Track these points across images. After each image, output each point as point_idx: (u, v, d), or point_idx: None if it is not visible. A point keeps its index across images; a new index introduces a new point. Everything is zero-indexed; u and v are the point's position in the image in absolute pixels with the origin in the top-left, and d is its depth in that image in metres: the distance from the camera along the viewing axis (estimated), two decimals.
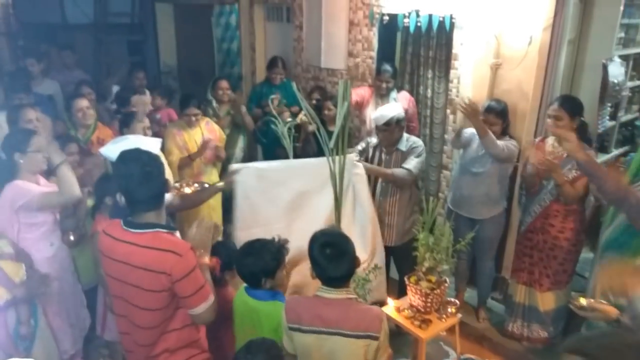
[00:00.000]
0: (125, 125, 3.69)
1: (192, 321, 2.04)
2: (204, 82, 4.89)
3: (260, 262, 2.23)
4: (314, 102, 4.47)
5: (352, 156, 3.22)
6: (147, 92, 5.17)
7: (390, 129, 3.38)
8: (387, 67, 4.09)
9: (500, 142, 3.33)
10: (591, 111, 3.99)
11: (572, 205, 3.14)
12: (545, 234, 3.23)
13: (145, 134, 3.61)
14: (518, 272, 3.44)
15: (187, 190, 3.17)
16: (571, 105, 3.10)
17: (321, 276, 2.03)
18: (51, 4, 7.12)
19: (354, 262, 2.02)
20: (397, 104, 3.69)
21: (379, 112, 3.43)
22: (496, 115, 3.39)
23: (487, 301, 3.89)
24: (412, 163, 3.39)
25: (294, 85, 3.13)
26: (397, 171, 3.41)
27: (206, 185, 3.31)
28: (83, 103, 3.74)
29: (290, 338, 2.06)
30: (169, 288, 1.91)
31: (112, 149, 2.74)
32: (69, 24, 7.24)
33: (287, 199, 3.10)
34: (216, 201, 4.15)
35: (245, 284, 2.32)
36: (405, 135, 3.51)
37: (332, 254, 1.98)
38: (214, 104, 4.68)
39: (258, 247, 2.30)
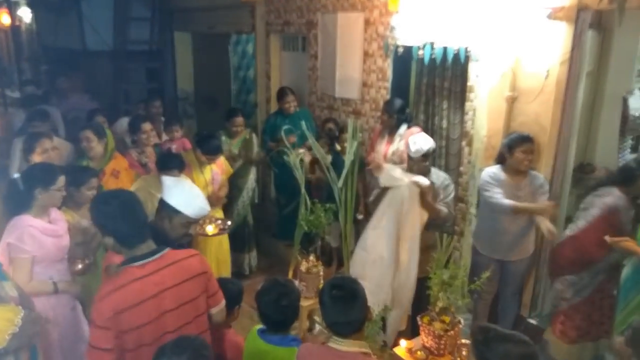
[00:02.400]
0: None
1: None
2: (219, 108, 4.93)
3: (294, 308, 2.25)
4: (326, 130, 4.49)
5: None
6: (163, 120, 5.26)
7: (422, 164, 3.35)
8: (391, 101, 4.08)
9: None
10: (611, 144, 3.91)
11: None
12: None
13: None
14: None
15: (210, 229, 3.12)
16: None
17: (327, 321, 1.96)
18: (72, 31, 7.33)
19: (364, 309, 1.94)
20: (424, 135, 3.59)
21: (416, 145, 3.33)
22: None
23: None
24: (450, 202, 3.38)
25: (303, 125, 3.13)
26: (443, 210, 3.37)
27: (229, 224, 3.26)
28: (88, 134, 3.71)
29: None
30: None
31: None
32: (89, 50, 7.43)
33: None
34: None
35: (258, 327, 2.27)
36: (432, 168, 3.50)
37: (339, 296, 1.91)
38: (224, 137, 4.68)
39: (291, 292, 2.28)
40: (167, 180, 2.34)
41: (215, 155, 3.95)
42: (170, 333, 1.95)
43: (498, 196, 3.28)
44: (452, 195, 3.41)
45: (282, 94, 4.98)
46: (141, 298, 1.91)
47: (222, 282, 2.40)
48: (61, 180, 2.76)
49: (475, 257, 3.57)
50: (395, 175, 3.27)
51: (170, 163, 3.50)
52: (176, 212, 2.21)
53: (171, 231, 2.26)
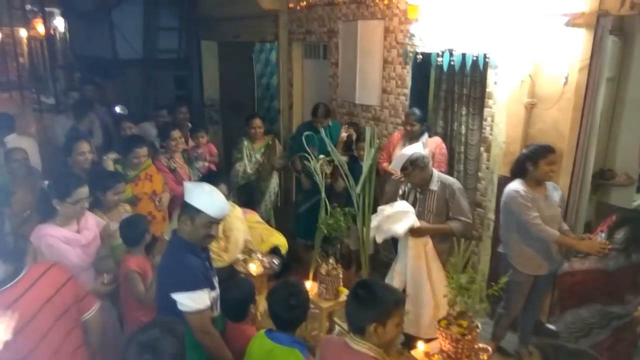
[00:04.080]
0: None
1: None
2: (244, 114, 5.08)
3: (303, 308, 2.30)
4: (345, 135, 4.58)
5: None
6: (190, 126, 5.43)
7: (408, 173, 3.41)
8: (414, 110, 4.14)
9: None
10: (632, 149, 3.88)
11: None
12: None
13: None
14: None
15: (254, 268, 3.05)
16: None
17: (346, 317, 2.08)
18: (103, 40, 7.61)
19: (381, 313, 1.97)
20: (415, 145, 3.64)
21: (396, 158, 3.47)
22: None
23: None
24: (462, 212, 3.37)
25: (326, 139, 3.22)
26: (455, 225, 3.37)
27: (276, 262, 3.24)
28: (142, 152, 3.85)
29: None
30: (76, 293, 2.19)
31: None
32: (119, 59, 7.70)
33: None
34: None
35: (268, 328, 2.33)
36: (436, 173, 3.51)
37: (359, 294, 2.00)
38: (245, 142, 4.81)
39: (300, 293, 2.34)
40: (188, 183, 2.42)
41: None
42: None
43: (539, 221, 3.19)
44: (463, 201, 3.39)
45: (315, 110, 4.90)
46: (26, 319, 1.92)
47: (235, 282, 2.52)
48: (80, 192, 2.71)
49: (511, 274, 3.44)
50: (389, 228, 3.41)
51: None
52: (197, 212, 2.26)
53: (194, 233, 2.31)
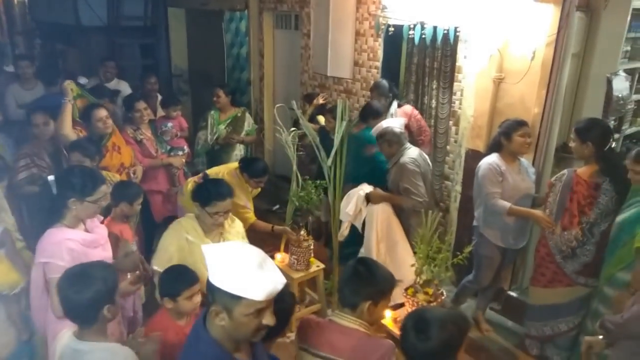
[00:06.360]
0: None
1: None
2: (214, 85, 4.99)
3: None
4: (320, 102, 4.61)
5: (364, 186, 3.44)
6: (159, 96, 5.32)
7: (378, 144, 3.50)
8: (378, 83, 4.16)
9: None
10: None
11: None
12: None
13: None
14: None
15: None
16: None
17: (339, 290, 2.05)
18: (65, 5, 7.27)
19: (377, 291, 1.98)
20: (395, 120, 3.71)
21: (374, 128, 3.51)
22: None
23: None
24: (407, 190, 3.43)
25: (293, 103, 3.20)
26: (405, 199, 3.46)
27: None
28: (102, 113, 3.76)
29: (300, 358, 2.03)
30: None
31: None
32: (82, 26, 7.38)
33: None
34: None
35: None
36: (408, 151, 3.54)
37: (357, 268, 2.01)
38: (212, 112, 4.81)
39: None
40: (208, 250, 1.52)
41: (263, 178, 3.61)
42: None
43: (496, 195, 3.32)
44: (409, 180, 3.43)
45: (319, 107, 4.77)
46: None
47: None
48: (102, 190, 2.41)
49: (482, 247, 3.55)
50: (348, 210, 3.51)
51: (221, 191, 2.68)
52: (236, 298, 1.44)
53: (237, 330, 1.49)
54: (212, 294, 1.47)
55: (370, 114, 3.92)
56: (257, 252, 1.51)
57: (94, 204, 2.36)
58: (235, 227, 2.86)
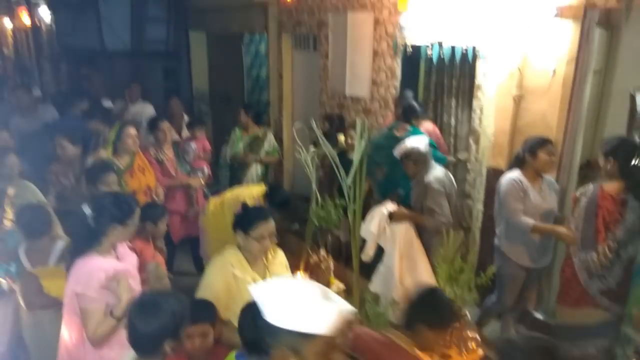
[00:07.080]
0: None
1: None
2: (234, 107, 5.12)
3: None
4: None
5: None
6: (185, 117, 5.51)
7: (403, 162, 3.48)
8: (405, 93, 4.18)
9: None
10: None
11: None
12: None
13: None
14: None
15: None
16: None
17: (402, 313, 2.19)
18: (90, 30, 7.52)
19: (436, 320, 2.09)
20: (418, 138, 3.68)
21: (398, 145, 3.49)
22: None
23: None
24: (430, 211, 3.39)
25: (313, 123, 3.22)
26: (427, 219, 3.43)
27: None
28: (133, 131, 3.90)
29: None
30: None
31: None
32: (107, 50, 7.61)
33: None
34: None
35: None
36: (434, 169, 3.51)
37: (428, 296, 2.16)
38: (237, 130, 4.94)
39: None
40: (256, 292, 1.43)
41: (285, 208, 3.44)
42: None
43: (519, 212, 3.24)
44: (434, 199, 3.40)
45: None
46: None
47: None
48: (137, 212, 2.39)
49: (504, 267, 3.47)
50: (372, 228, 3.52)
51: (262, 211, 2.56)
52: (303, 336, 1.33)
53: None
54: (270, 336, 1.34)
55: (412, 113, 3.94)
56: (313, 284, 1.41)
57: (131, 227, 2.36)
58: (278, 258, 2.65)
